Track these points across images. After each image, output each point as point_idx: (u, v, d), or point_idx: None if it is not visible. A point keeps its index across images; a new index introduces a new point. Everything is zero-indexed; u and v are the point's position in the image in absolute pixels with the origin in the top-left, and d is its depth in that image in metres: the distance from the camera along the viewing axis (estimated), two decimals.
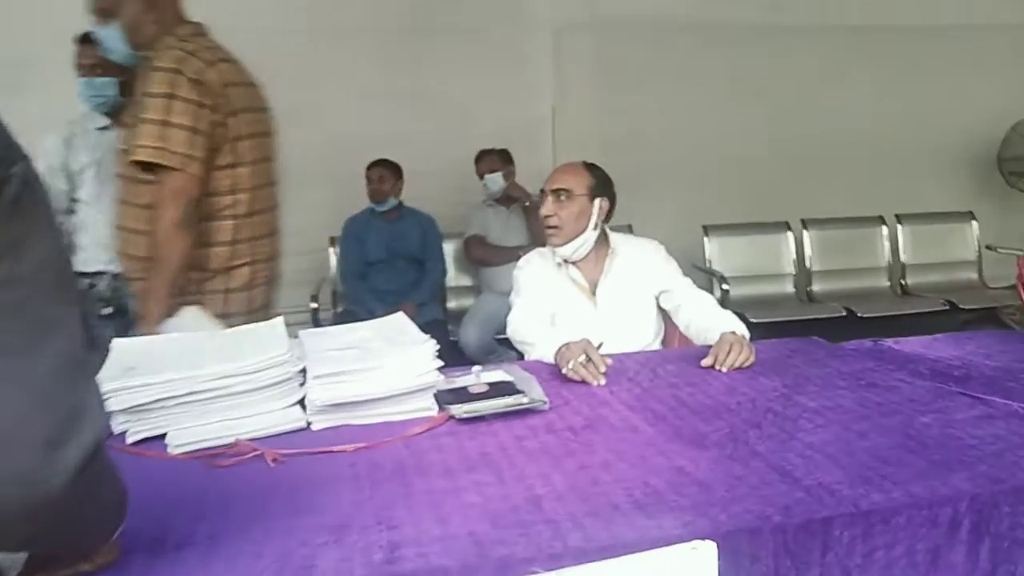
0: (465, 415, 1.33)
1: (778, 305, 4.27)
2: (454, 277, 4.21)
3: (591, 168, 2.03)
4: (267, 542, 0.94)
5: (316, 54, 4.15)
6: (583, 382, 1.53)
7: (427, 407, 1.37)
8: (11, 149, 0.62)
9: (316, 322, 3.77)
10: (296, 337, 1.50)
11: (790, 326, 3.89)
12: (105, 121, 2.52)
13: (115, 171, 2.02)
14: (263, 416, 1.31)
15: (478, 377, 1.47)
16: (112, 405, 1.25)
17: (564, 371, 1.56)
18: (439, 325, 3.69)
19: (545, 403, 1.38)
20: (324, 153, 4.23)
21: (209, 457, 1.20)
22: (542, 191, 2.04)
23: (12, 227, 0.60)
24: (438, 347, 1.38)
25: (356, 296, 3.82)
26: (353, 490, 1.09)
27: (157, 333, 1.71)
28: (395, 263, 3.85)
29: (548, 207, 1.98)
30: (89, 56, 2.37)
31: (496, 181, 3.85)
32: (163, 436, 1.27)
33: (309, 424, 1.33)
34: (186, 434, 1.26)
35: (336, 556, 0.90)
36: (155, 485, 1.12)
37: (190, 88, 1.76)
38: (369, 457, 1.20)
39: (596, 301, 2.01)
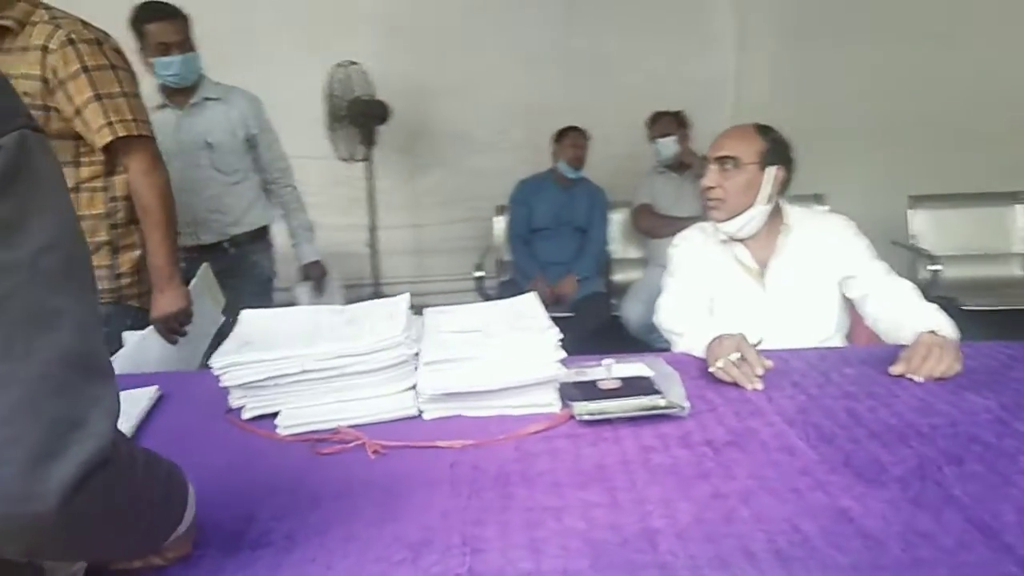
0: (588, 417, 1.16)
1: (1001, 290, 3.64)
2: (620, 249, 4.01)
3: (764, 131, 1.73)
4: (342, 552, 0.85)
5: (482, 20, 4.08)
6: (735, 384, 1.31)
7: (548, 402, 1.23)
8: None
9: (481, 290, 3.75)
10: (420, 315, 1.42)
11: (1016, 316, 3.30)
12: None
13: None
14: (374, 400, 1.24)
15: (609, 371, 1.29)
16: (226, 380, 1.23)
17: (711, 369, 1.34)
18: (600, 299, 3.52)
19: (685, 408, 1.18)
20: (491, 120, 4.19)
21: (313, 442, 1.15)
22: (705, 158, 1.79)
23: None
24: (561, 336, 1.23)
25: (519, 262, 3.74)
26: (449, 495, 0.97)
27: (186, 295, 1.82)
28: (560, 231, 3.72)
29: (711, 177, 1.72)
30: None
31: (669, 146, 3.57)
32: (275, 414, 1.23)
33: (421, 412, 1.23)
34: (297, 414, 1.21)
35: None
36: (253, 469, 1.09)
37: (117, 56, 1.73)
38: (474, 457, 1.08)
39: (765, 284, 1.75)
